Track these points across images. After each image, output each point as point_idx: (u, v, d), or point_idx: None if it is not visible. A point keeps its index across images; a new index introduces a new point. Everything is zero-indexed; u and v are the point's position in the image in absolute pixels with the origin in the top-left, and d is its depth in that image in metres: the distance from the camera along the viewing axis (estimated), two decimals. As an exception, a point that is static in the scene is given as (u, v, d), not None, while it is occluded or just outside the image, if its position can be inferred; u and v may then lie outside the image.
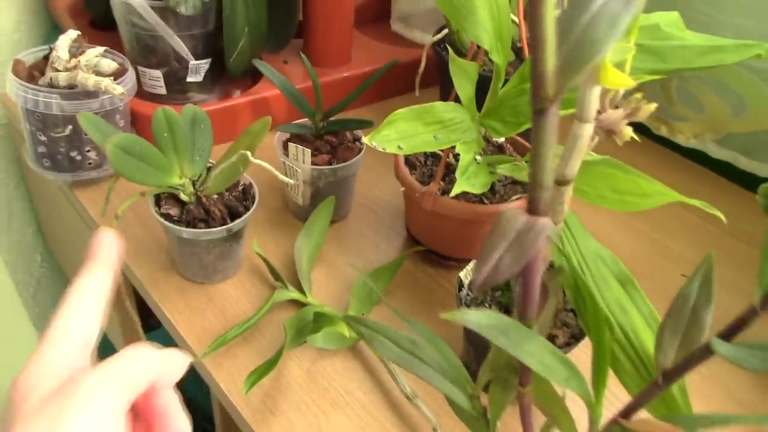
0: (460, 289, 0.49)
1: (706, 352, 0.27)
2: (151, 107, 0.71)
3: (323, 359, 0.53)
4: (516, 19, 0.55)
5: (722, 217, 0.42)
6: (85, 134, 0.62)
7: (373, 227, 0.65)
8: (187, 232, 0.53)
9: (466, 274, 0.49)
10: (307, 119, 0.62)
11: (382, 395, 0.50)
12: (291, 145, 0.59)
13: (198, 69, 0.72)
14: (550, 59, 0.21)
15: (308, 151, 0.58)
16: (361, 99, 0.80)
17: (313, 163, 0.59)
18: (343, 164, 0.59)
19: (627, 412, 0.31)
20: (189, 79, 0.73)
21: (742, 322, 0.26)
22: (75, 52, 0.63)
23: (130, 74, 0.64)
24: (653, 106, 0.36)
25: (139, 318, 0.78)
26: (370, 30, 0.87)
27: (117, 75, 0.64)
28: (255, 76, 0.76)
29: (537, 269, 0.27)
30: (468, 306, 0.47)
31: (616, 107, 0.38)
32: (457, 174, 0.44)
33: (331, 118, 0.61)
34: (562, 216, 0.39)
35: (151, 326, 0.89)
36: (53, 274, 1.01)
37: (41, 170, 0.64)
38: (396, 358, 0.36)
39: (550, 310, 0.30)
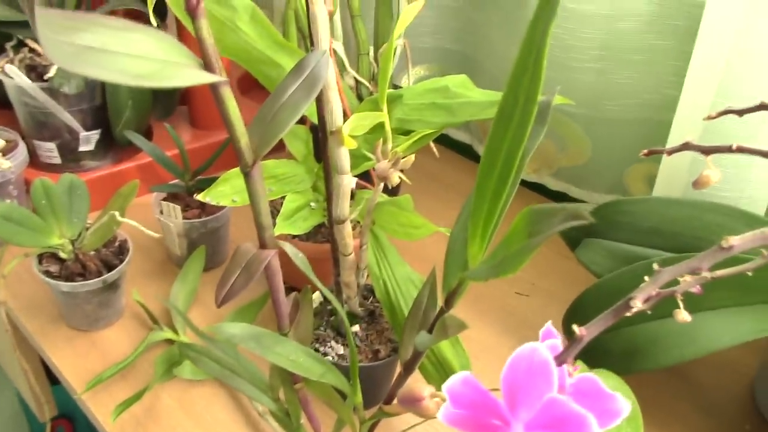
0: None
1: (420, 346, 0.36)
2: (45, 177, 0.79)
3: (193, 389, 0.60)
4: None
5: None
6: (-20, 205, 0.69)
7: (247, 270, 0.73)
8: (65, 285, 0.60)
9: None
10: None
11: (242, 415, 0.58)
12: (163, 203, 0.67)
13: (89, 139, 0.80)
14: (243, 140, 0.30)
15: (178, 208, 0.66)
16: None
17: (184, 218, 0.67)
18: (211, 217, 0.68)
19: (388, 400, 0.39)
20: (81, 149, 0.80)
21: (437, 320, 0.35)
22: (-31, 132, 0.70)
23: (20, 149, 0.72)
24: (412, 158, 0.45)
25: (46, 372, 0.84)
26: (255, 95, 0.96)
27: (8, 150, 0.71)
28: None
29: (278, 289, 0.35)
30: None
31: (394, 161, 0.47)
32: (278, 218, 0.53)
33: (198, 177, 0.69)
34: (351, 248, 0.48)
35: (57, 380, 0.95)
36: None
37: (-60, 240, 0.71)
38: (217, 374, 0.43)
39: (306, 320, 0.39)
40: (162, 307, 0.68)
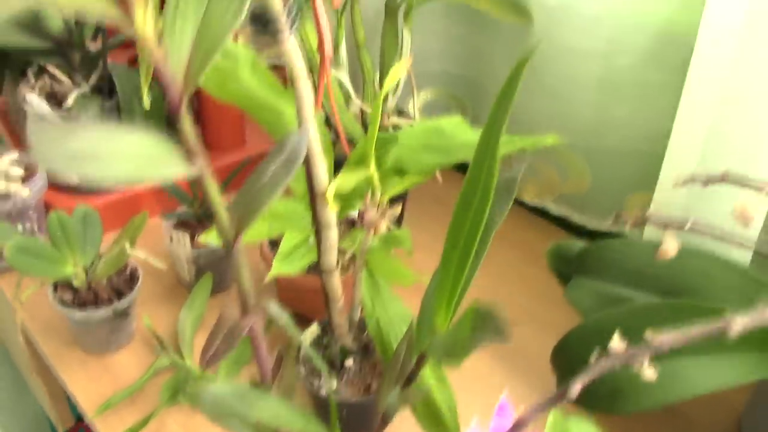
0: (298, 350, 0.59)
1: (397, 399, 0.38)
2: (63, 199, 0.83)
3: (197, 415, 0.63)
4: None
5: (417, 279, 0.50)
6: (1, 230, 0.73)
7: (254, 295, 0.75)
8: (78, 314, 0.63)
9: (303, 337, 0.60)
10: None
11: (243, 441, 0.61)
12: (173, 231, 0.70)
13: (105, 163, 0.83)
14: (224, 217, 0.32)
15: (186, 236, 0.69)
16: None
17: (194, 245, 0.70)
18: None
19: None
20: (98, 172, 0.84)
21: (414, 374, 0.37)
22: (-9, 159, 0.74)
23: (39, 176, 0.76)
24: (398, 209, 0.48)
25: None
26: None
27: (28, 177, 0.75)
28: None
29: (260, 348, 0.37)
30: (303, 363, 0.58)
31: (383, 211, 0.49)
32: (275, 259, 0.55)
33: (207, 204, 0.72)
34: (340, 294, 0.50)
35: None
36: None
37: (-37, 263, 0.75)
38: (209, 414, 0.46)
39: (289, 374, 0.41)
40: (171, 330, 0.71)
